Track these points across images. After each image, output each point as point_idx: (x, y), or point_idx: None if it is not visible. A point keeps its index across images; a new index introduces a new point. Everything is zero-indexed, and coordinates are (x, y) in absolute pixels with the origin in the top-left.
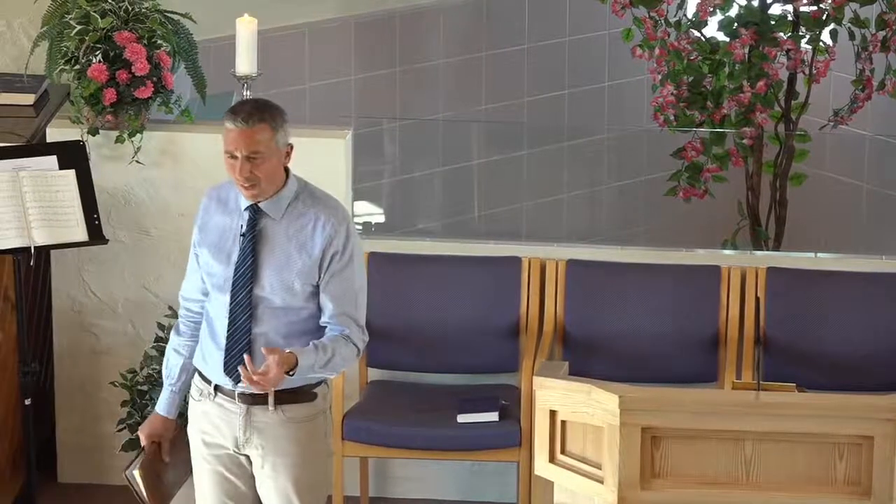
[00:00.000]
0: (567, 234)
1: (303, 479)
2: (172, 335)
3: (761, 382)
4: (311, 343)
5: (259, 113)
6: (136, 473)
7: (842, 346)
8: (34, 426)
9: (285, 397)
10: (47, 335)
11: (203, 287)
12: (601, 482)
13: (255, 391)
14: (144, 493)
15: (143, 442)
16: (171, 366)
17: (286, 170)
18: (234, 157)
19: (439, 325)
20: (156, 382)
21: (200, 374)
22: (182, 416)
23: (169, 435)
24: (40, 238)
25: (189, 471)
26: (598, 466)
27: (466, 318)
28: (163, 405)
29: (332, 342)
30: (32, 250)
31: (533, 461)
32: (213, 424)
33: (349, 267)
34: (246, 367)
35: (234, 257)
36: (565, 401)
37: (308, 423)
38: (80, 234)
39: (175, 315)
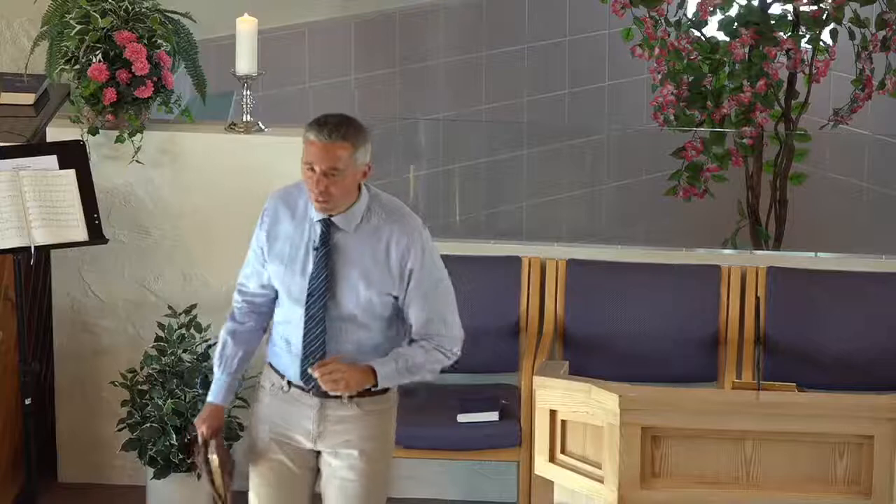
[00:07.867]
0: (567, 234)
1: (376, 472)
2: (228, 321)
3: (761, 382)
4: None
5: (343, 129)
6: (213, 459)
7: (842, 346)
8: (34, 426)
9: (360, 393)
10: (47, 335)
11: (265, 284)
12: (601, 482)
13: (334, 393)
14: (219, 480)
15: (204, 433)
16: (228, 354)
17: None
18: (312, 169)
19: None
20: (155, 382)
21: (272, 367)
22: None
23: (223, 424)
24: (40, 238)
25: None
26: (598, 466)
27: (466, 318)
28: (220, 394)
29: (411, 349)
30: (33, 250)
31: (533, 461)
32: (284, 417)
33: (429, 279)
34: (317, 369)
35: (309, 268)
36: (565, 400)
37: (382, 415)
38: (80, 233)
39: (174, 314)
